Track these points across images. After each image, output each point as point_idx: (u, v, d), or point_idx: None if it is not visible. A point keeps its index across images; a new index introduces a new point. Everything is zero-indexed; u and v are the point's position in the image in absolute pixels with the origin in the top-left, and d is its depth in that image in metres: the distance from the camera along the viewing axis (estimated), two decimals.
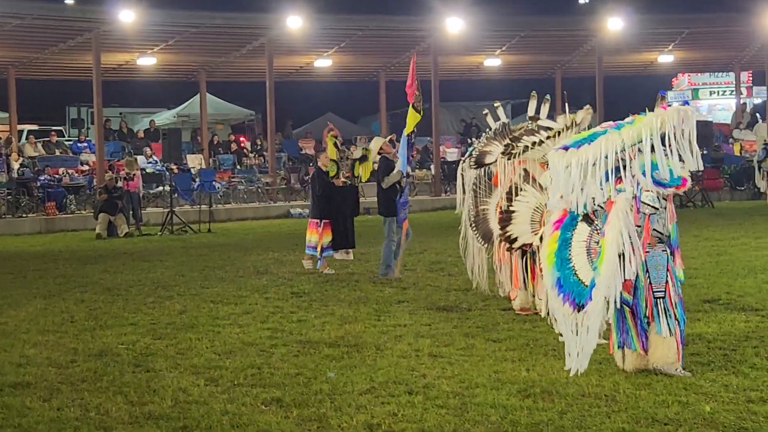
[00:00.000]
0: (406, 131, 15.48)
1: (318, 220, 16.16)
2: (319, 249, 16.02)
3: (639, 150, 8.41)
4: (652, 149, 8.37)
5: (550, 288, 8.51)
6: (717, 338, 9.99)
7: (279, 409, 7.75)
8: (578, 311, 8.29)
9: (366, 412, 7.60)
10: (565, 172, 8.40)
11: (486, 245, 12.79)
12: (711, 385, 8.12)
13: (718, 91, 47.52)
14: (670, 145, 8.36)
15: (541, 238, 11.03)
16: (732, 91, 44.98)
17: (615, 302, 8.26)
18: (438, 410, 7.60)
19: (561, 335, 8.48)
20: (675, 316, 8.54)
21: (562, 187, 8.44)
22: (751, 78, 46.93)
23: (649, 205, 8.48)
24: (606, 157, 8.30)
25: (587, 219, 8.56)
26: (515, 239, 11.76)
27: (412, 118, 15.40)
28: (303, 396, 8.08)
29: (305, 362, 9.33)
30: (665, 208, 8.57)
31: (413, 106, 15.40)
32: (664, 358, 8.49)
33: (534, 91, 12.54)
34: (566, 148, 8.53)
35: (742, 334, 10.16)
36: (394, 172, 15.37)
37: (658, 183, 8.47)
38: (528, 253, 11.77)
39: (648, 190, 8.45)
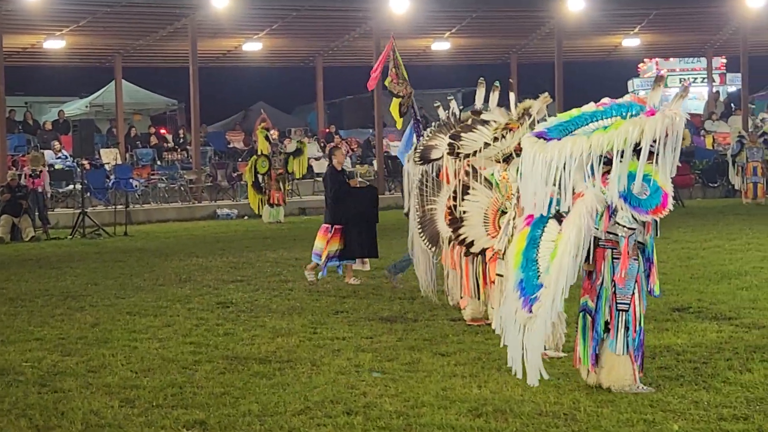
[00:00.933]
0: (397, 126, 15.37)
1: (329, 226, 15.48)
2: (324, 257, 15.39)
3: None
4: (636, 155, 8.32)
5: (512, 289, 8.50)
6: (687, 350, 10.10)
7: None
8: (530, 314, 8.29)
9: None
10: (531, 167, 8.31)
11: (434, 248, 12.81)
12: (680, 402, 8.21)
13: (688, 79, 47.97)
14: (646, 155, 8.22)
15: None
16: (704, 78, 45.48)
17: (560, 307, 8.27)
18: None
19: (506, 344, 8.50)
20: (634, 332, 8.62)
21: (529, 181, 8.37)
22: (724, 64, 47.47)
23: (625, 227, 8.50)
24: (571, 158, 8.21)
25: (558, 217, 8.53)
26: (471, 243, 11.77)
27: (395, 107, 15.21)
28: (229, 418, 8.05)
29: (232, 380, 9.30)
30: (643, 224, 8.60)
31: (394, 94, 15.22)
32: (621, 380, 8.56)
33: (482, 78, 12.61)
34: (540, 135, 8.42)
35: (714, 346, 10.28)
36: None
37: (635, 206, 8.44)
38: (480, 257, 11.80)
39: (622, 209, 8.44)
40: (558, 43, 38.02)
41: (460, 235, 11.76)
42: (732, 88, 47.23)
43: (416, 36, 38.40)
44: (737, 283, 14.24)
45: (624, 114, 8.45)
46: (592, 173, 8.29)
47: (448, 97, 13.39)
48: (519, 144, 10.24)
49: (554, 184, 8.25)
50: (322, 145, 37.01)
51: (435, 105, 13.66)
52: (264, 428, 7.76)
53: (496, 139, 11.03)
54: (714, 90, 44.34)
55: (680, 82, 47.02)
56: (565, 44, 38.53)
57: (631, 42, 41.52)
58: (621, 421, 7.72)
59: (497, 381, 8.93)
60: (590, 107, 8.71)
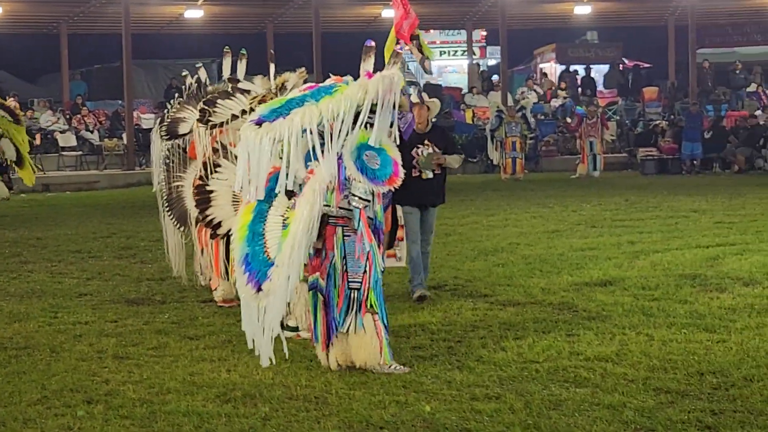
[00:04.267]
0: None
1: None
2: None
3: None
4: (364, 125, 8.54)
5: (237, 264, 8.58)
6: (441, 329, 10.30)
7: None
8: (259, 293, 8.38)
9: (35, 426, 7.44)
10: (258, 150, 8.42)
11: (182, 228, 12.69)
12: (433, 382, 8.37)
13: (449, 51, 48.76)
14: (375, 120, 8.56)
15: None
16: (464, 51, 46.34)
17: (293, 285, 8.41)
18: (121, 421, 7.53)
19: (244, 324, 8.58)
20: (372, 310, 8.77)
21: (253, 167, 8.45)
22: (485, 37, 48.47)
23: (361, 199, 8.66)
24: (304, 132, 8.38)
25: (287, 191, 8.62)
26: (219, 224, 11.70)
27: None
28: None
29: None
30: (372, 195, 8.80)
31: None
32: (369, 359, 8.69)
33: (227, 47, 12.57)
34: (260, 122, 8.55)
35: (469, 324, 10.53)
36: None
37: (371, 178, 8.67)
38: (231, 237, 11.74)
39: (360, 182, 8.65)
40: (315, 13, 38.05)
41: (207, 216, 11.66)
42: (492, 62, 48.24)
43: (167, 2, 37.94)
44: (494, 259, 14.61)
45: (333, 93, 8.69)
46: (314, 150, 8.45)
47: (197, 65, 13.24)
48: None
49: (281, 159, 8.41)
50: (67, 117, 36.16)
51: (183, 74, 13.50)
52: None
53: (244, 111, 11.01)
54: (474, 63, 45.21)
55: (441, 54, 47.79)
56: (323, 14, 38.66)
57: (390, 13, 41.80)
58: (373, 404, 7.82)
59: (247, 365, 8.92)
60: (295, 93, 8.91)
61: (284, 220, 8.55)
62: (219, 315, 11.28)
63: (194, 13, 39.26)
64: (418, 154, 11.67)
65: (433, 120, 12.11)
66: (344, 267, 8.70)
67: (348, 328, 8.70)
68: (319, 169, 8.47)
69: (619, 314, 10.79)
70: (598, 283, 12.58)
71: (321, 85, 8.91)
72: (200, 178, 11.67)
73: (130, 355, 9.46)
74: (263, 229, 8.58)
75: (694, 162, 32.79)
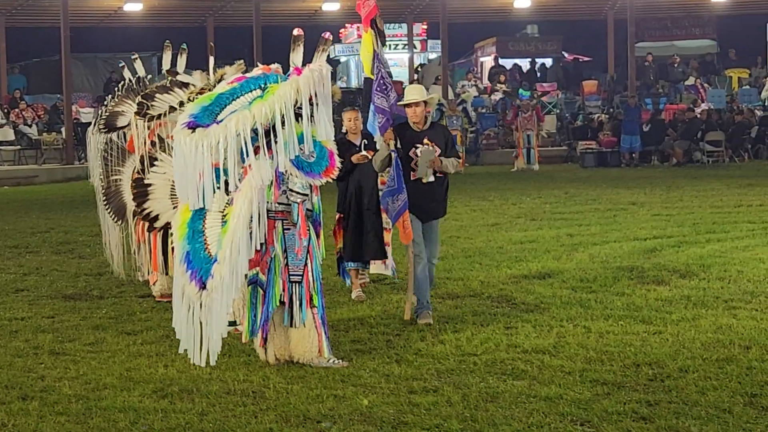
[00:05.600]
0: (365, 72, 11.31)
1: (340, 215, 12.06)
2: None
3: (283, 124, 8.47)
4: (298, 119, 8.52)
5: (178, 263, 8.55)
6: (380, 322, 10.33)
7: None
8: (203, 290, 8.35)
9: None
10: (194, 160, 8.34)
11: (120, 222, 12.61)
12: (371, 376, 8.39)
13: (390, 45, 48.63)
14: (311, 115, 8.56)
15: None
16: (405, 44, 46.34)
17: (241, 281, 8.39)
18: (57, 417, 7.48)
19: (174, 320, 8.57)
20: (312, 304, 8.76)
21: (190, 173, 8.39)
22: (425, 30, 48.49)
23: (299, 193, 8.65)
24: (238, 136, 8.32)
25: (226, 188, 8.59)
26: (156, 217, 11.66)
27: (367, 49, 11.56)
28: None
29: None
30: (310, 188, 8.79)
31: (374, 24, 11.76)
32: (308, 353, 8.70)
33: (168, 41, 12.51)
34: (193, 126, 8.45)
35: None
36: (379, 148, 10.85)
37: (307, 172, 8.69)
38: (170, 232, 11.68)
39: (296, 176, 8.67)
40: (256, 7, 37.96)
41: (144, 209, 11.61)
42: (433, 55, 48.27)
43: None
44: None
45: (263, 86, 8.65)
46: (247, 150, 8.39)
47: (132, 57, 13.16)
48: None
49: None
50: (5, 111, 35.81)
51: (120, 66, 13.40)
52: None
53: (182, 103, 10.95)
54: (417, 56, 45.18)
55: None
56: (264, 8, 38.56)
57: (330, 6, 41.87)
58: (311, 398, 7.81)
59: (185, 360, 8.85)
60: (224, 87, 8.85)
61: (223, 216, 8.51)
62: (157, 310, 11.22)
63: (134, 6, 38.96)
64: (417, 155, 10.57)
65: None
66: (285, 261, 8.68)
67: (292, 322, 8.68)
68: (256, 165, 8.42)
69: (557, 306, 10.86)
70: (536, 276, 12.65)
71: (249, 75, 8.87)
72: (138, 171, 11.62)
73: (67, 351, 9.41)
74: (203, 226, 8.54)
75: (633, 155, 32.96)
